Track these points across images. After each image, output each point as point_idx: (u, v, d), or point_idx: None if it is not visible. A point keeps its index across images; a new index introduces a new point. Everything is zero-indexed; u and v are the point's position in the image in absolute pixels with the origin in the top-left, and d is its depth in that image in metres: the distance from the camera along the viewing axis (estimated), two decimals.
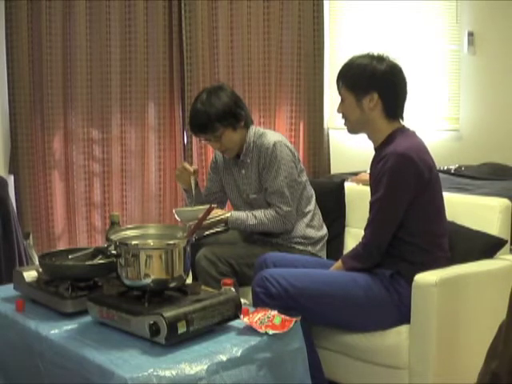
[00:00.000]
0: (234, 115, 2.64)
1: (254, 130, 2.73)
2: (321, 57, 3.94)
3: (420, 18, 4.36)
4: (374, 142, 2.26)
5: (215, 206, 2.32)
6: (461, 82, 4.52)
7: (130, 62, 3.69)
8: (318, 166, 3.98)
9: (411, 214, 2.14)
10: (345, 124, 2.29)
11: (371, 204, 2.20)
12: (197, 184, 2.84)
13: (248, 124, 2.72)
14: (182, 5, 3.74)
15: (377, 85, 2.17)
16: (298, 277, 2.17)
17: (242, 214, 2.67)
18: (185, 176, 2.83)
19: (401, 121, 2.25)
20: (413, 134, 2.24)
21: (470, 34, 4.47)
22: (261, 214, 2.65)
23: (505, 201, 2.43)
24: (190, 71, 3.76)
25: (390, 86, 2.19)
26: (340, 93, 2.27)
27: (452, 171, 3.94)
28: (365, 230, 2.22)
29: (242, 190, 2.79)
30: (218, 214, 2.63)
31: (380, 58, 2.20)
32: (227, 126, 2.63)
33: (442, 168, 3.94)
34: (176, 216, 2.66)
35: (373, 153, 2.28)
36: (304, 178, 2.76)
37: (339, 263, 2.29)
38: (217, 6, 3.79)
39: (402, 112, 2.24)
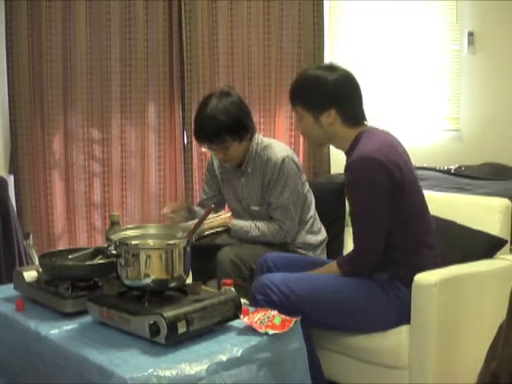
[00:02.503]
0: (243, 126, 2.57)
1: (257, 140, 2.67)
2: (321, 57, 3.93)
3: (420, 18, 4.36)
4: (341, 149, 2.22)
5: (213, 206, 2.32)
6: (461, 81, 4.51)
7: (130, 62, 3.69)
8: (318, 166, 3.97)
9: (392, 216, 2.09)
10: (307, 141, 2.25)
11: (351, 215, 2.16)
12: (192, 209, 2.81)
13: (253, 135, 2.66)
14: (182, 5, 3.74)
15: (331, 100, 2.12)
16: (299, 283, 2.15)
17: (246, 225, 2.65)
18: (179, 218, 2.76)
19: (365, 122, 2.20)
20: (378, 133, 2.18)
21: (470, 34, 4.47)
22: (264, 227, 2.64)
23: (505, 201, 2.43)
24: (189, 71, 3.76)
25: (344, 97, 2.14)
26: (296, 110, 2.22)
27: (452, 171, 3.93)
28: (353, 241, 2.17)
29: (241, 197, 2.76)
30: (219, 215, 2.63)
31: (330, 69, 2.16)
32: (236, 138, 2.56)
33: (442, 168, 3.94)
34: None
35: None
36: (306, 188, 2.73)
37: (335, 267, 2.23)
38: (217, 6, 3.79)
39: (364, 116, 2.20)
